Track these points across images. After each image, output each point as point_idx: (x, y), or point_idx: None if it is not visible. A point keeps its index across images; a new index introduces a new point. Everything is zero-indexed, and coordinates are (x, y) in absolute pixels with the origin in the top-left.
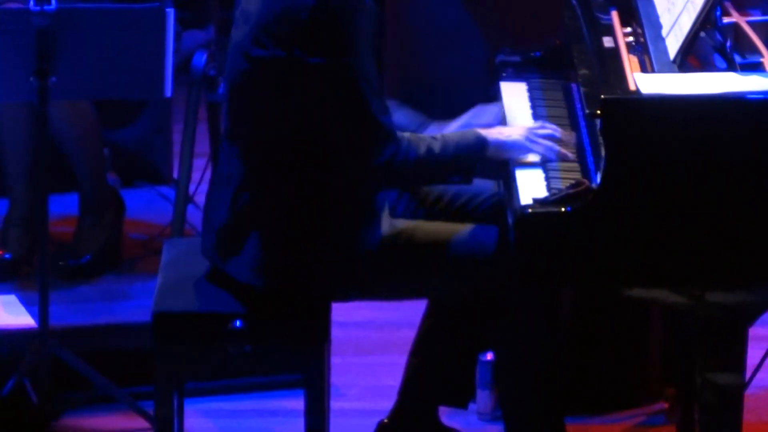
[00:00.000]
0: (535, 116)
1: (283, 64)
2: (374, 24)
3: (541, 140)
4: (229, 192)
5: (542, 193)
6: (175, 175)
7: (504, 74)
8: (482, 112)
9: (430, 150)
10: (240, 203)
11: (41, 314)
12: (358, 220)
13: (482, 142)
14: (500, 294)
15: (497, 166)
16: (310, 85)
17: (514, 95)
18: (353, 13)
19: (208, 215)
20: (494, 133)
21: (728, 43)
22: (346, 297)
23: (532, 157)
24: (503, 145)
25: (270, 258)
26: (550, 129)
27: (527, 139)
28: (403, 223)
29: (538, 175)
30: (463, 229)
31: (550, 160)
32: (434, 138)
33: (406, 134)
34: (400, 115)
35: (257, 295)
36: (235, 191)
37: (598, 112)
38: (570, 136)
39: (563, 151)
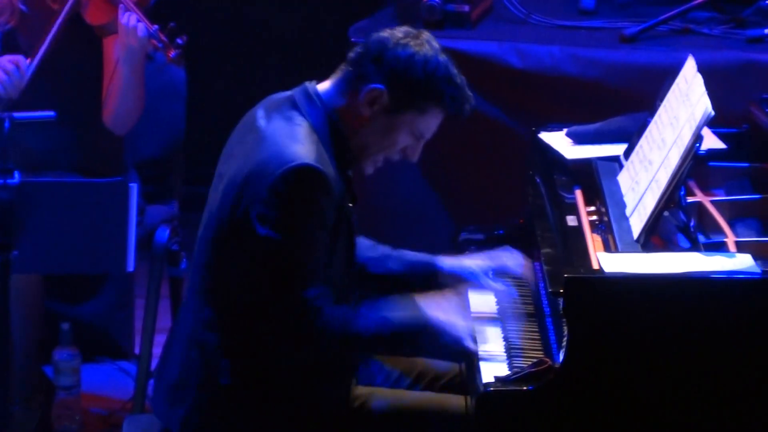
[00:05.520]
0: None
1: (239, 228)
2: (336, 210)
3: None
4: (183, 348)
5: (504, 371)
6: (137, 350)
7: (468, 252)
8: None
9: (363, 328)
10: (192, 357)
11: None
12: (315, 385)
13: (424, 326)
14: None
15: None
16: (256, 254)
17: None
18: (312, 195)
19: (160, 372)
20: (440, 315)
21: (692, 223)
22: None
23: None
24: (443, 333)
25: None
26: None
27: (467, 331)
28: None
29: (500, 353)
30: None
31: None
32: (376, 317)
33: (342, 313)
34: None
35: None
36: (189, 346)
37: (561, 290)
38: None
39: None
